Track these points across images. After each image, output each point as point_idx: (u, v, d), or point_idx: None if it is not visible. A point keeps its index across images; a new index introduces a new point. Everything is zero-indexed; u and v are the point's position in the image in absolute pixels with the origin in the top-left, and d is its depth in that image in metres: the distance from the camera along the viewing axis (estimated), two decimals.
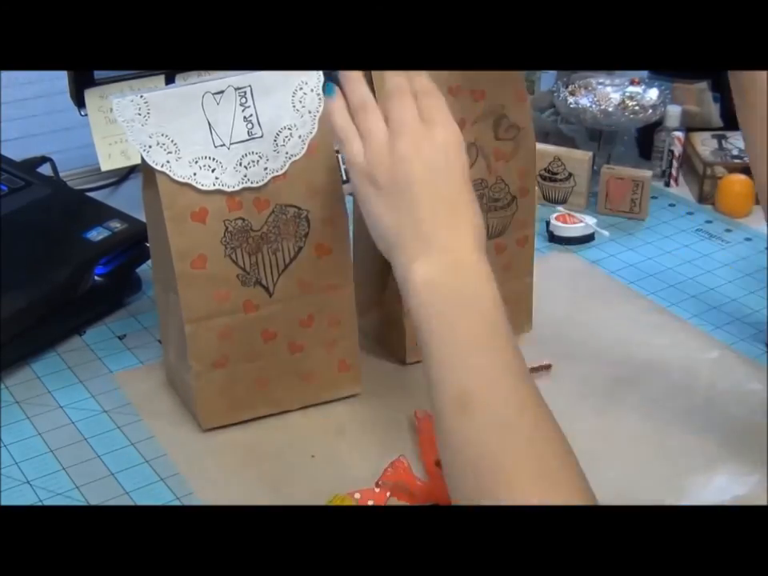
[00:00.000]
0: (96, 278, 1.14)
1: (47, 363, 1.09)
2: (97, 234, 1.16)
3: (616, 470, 0.92)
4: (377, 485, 0.89)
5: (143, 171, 0.93)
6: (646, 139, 1.53)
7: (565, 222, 1.34)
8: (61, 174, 1.45)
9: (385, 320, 1.07)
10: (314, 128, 0.93)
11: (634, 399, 1.02)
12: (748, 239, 1.35)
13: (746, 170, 1.42)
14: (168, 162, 0.88)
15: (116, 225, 1.18)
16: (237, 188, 0.91)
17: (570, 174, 1.41)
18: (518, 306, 1.11)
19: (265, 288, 0.94)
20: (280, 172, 0.92)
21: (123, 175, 1.51)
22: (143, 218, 1.18)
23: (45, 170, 1.42)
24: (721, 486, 0.90)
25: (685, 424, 0.98)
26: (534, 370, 1.05)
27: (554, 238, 1.34)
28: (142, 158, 0.91)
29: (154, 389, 1.04)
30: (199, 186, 0.89)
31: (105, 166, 1.35)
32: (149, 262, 1.20)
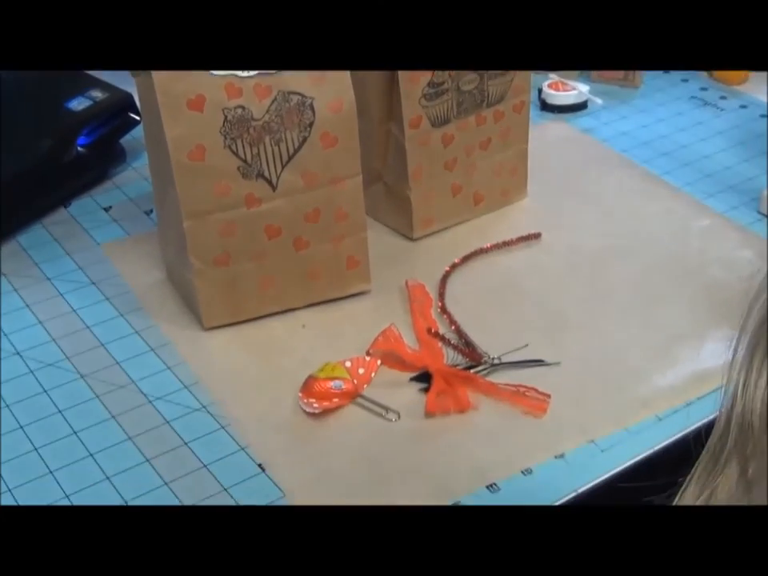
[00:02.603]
0: (79, 148, 1.12)
1: (33, 236, 1.07)
2: (78, 104, 1.14)
3: (606, 338, 0.92)
4: (368, 353, 0.89)
5: None
6: None
7: (557, 89, 1.31)
8: None
9: (388, 194, 1.06)
10: None
11: (625, 268, 1.02)
12: (743, 106, 1.33)
13: None
14: None
15: (97, 94, 1.15)
16: (252, 73, 0.85)
17: None
18: (515, 173, 1.11)
19: (268, 181, 0.89)
20: None
21: None
22: (125, 87, 1.16)
23: None
24: (711, 351, 0.90)
25: (676, 292, 0.98)
26: (523, 239, 1.05)
27: (546, 106, 1.31)
28: None
29: (141, 260, 1.03)
30: (212, 72, 0.84)
31: None
32: (133, 132, 1.18)
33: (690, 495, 0.47)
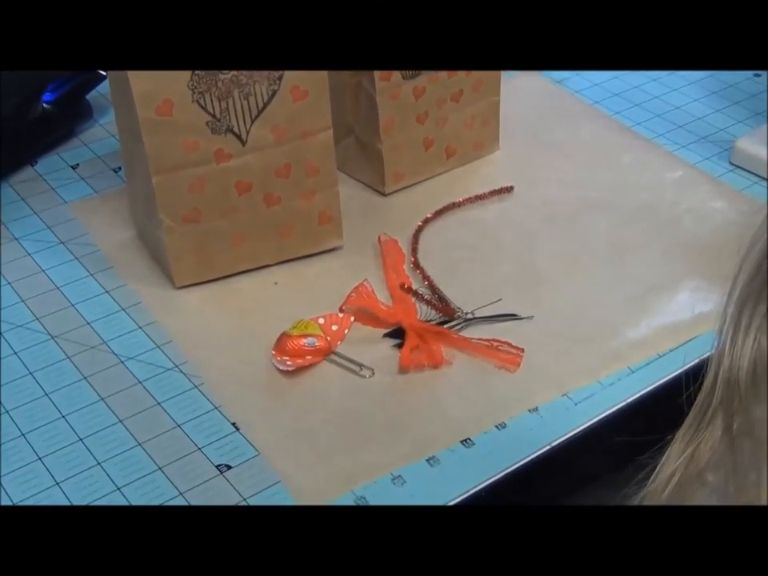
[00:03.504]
0: (45, 105, 1.10)
1: None
2: None
3: (579, 291, 0.92)
4: (341, 310, 0.89)
5: None
6: None
7: None
8: None
9: (360, 148, 1.05)
10: None
11: (597, 220, 1.01)
12: None
13: None
14: None
15: None
16: None
17: None
18: (486, 126, 1.10)
19: (237, 136, 0.88)
20: None
21: None
22: None
23: None
24: (684, 302, 0.90)
25: (648, 243, 0.98)
26: (496, 192, 1.04)
27: None
28: None
29: (110, 218, 1.01)
30: None
31: None
32: (99, 88, 1.16)
33: (675, 452, 0.47)
